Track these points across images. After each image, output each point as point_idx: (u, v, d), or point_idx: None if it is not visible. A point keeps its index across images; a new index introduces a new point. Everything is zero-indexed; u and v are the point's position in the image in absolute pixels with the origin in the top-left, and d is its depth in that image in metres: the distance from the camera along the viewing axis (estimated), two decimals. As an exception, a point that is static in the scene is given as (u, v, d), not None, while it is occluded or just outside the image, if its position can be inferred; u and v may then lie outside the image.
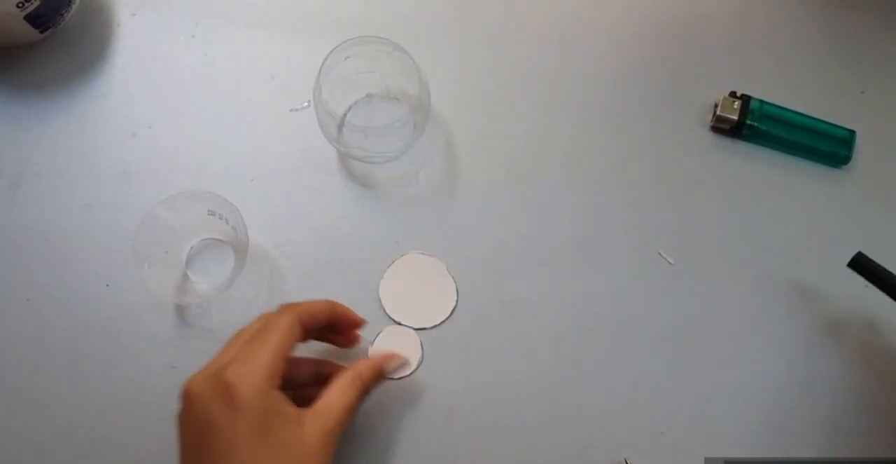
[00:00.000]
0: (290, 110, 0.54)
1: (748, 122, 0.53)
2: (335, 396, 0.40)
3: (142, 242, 0.46)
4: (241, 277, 0.47)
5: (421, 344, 0.49)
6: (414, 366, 0.49)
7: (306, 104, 0.54)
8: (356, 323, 0.46)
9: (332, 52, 0.47)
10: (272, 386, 0.38)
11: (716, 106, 0.54)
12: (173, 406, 0.48)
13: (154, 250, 0.47)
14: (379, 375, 0.44)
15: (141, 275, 0.46)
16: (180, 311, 0.49)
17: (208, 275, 0.50)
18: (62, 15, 0.53)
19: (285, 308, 0.42)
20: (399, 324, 0.50)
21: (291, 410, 0.38)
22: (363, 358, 0.46)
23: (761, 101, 0.54)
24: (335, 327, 0.45)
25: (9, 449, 0.47)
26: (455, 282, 0.51)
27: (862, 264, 0.47)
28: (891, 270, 0.46)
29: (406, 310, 0.50)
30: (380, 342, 0.49)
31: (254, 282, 0.50)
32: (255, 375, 0.37)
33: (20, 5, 0.49)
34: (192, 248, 0.51)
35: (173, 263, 0.50)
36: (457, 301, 0.50)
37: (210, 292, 0.49)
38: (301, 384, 0.43)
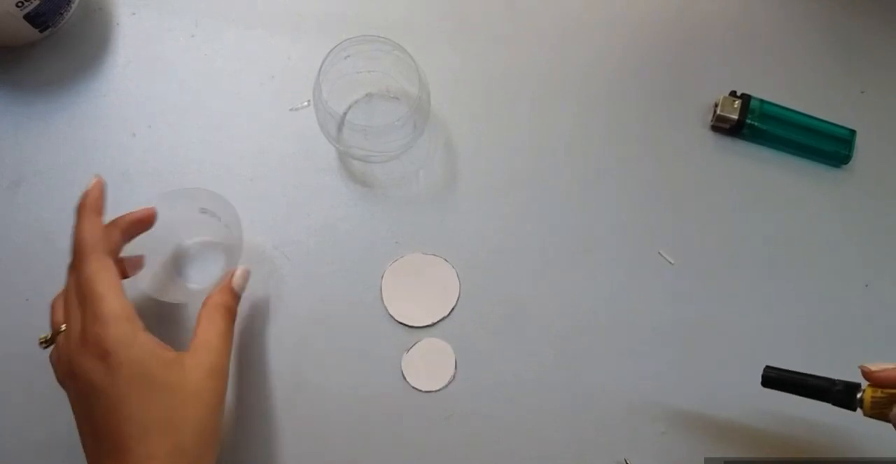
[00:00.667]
0: (290, 110, 0.54)
1: (748, 121, 0.53)
2: (206, 330, 0.41)
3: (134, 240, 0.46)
4: None
5: (455, 360, 0.49)
6: (446, 380, 0.49)
7: (306, 104, 0.54)
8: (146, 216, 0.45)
9: (331, 51, 0.47)
10: (139, 330, 0.38)
11: (716, 105, 0.54)
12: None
13: (146, 248, 0.47)
14: (235, 296, 0.44)
15: (132, 274, 0.46)
16: (180, 311, 0.49)
17: (202, 273, 0.50)
18: (62, 14, 0.53)
19: (85, 252, 0.40)
20: (402, 324, 0.50)
21: (169, 354, 0.39)
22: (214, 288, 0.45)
23: (761, 101, 0.54)
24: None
25: (9, 449, 0.47)
26: (455, 281, 0.51)
27: (774, 379, 0.43)
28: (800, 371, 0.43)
29: (407, 309, 0.50)
30: (414, 353, 0.49)
31: (253, 282, 0.50)
32: (118, 327, 0.37)
33: (20, 4, 0.49)
34: (184, 246, 0.51)
35: (165, 262, 0.50)
36: (457, 301, 0.50)
37: (203, 292, 0.49)
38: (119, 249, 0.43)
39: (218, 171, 0.52)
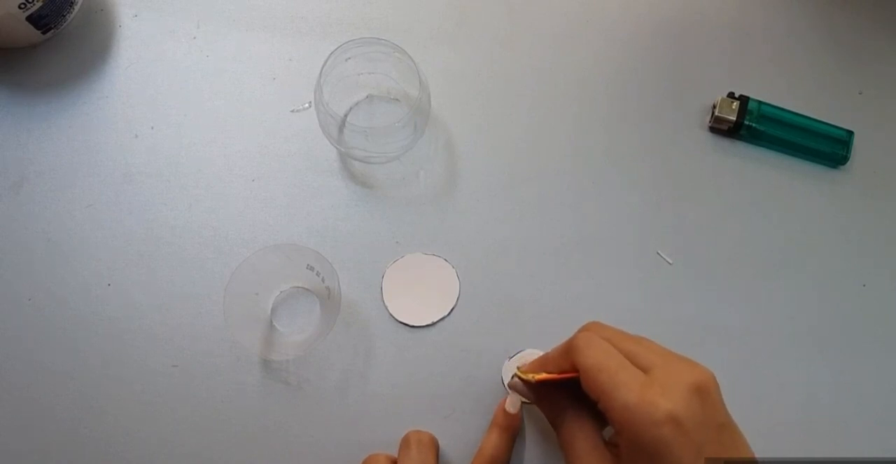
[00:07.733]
0: (292, 111, 0.54)
1: (746, 122, 0.54)
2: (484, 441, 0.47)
3: (235, 286, 0.46)
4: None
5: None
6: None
7: (307, 105, 0.54)
8: None
9: (332, 53, 0.48)
10: None
11: (714, 107, 0.54)
12: (175, 405, 0.48)
13: (255, 304, 0.48)
14: (510, 416, 0.47)
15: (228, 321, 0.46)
16: (181, 311, 0.50)
17: (293, 320, 0.50)
18: (64, 16, 0.53)
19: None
20: (402, 323, 0.50)
21: None
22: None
23: (759, 102, 0.54)
24: None
25: (10, 449, 0.47)
26: (455, 281, 0.51)
27: None
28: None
29: (407, 309, 0.50)
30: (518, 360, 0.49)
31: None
32: None
33: (22, 6, 0.49)
34: (280, 293, 0.51)
35: (267, 319, 0.50)
36: (457, 301, 0.51)
37: (301, 344, 0.49)
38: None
39: (220, 171, 0.53)
